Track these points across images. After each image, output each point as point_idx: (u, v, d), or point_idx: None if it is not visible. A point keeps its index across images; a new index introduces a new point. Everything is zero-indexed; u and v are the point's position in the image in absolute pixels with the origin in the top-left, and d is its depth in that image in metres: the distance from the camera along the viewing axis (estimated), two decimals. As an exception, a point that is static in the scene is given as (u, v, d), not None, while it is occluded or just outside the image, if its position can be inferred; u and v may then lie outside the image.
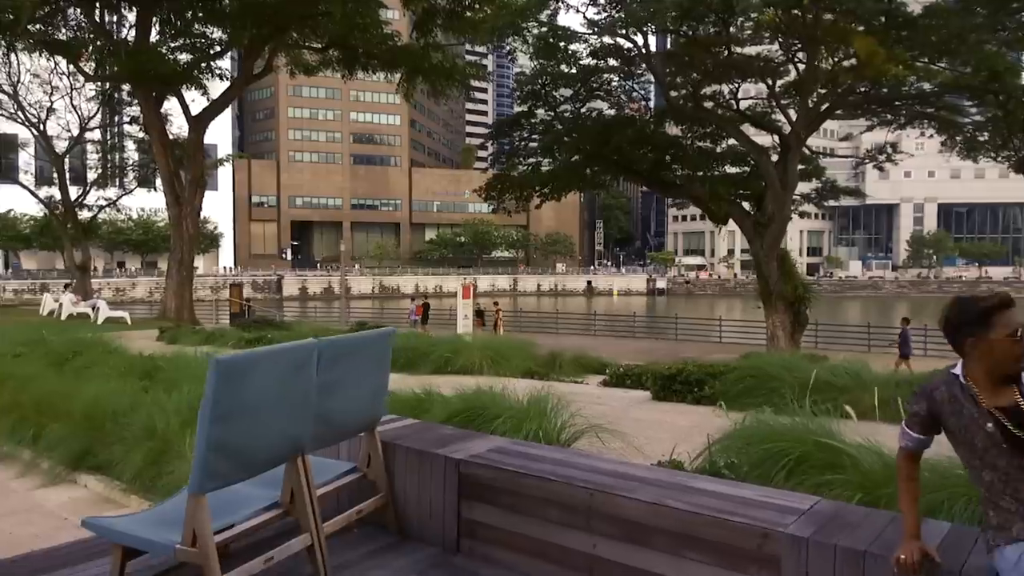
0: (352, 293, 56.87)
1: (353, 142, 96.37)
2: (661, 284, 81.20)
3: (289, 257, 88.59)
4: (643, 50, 19.51)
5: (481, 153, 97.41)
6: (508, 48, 22.60)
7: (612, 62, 20.89)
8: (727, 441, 3.83)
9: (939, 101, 20.16)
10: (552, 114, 21.67)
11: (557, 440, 4.20)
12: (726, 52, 18.87)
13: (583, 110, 21.79)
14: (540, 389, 4.97)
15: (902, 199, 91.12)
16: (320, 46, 25.34)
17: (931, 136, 22.70)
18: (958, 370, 2.27)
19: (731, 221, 21.09)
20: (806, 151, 22.26)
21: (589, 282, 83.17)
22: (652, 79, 21.74)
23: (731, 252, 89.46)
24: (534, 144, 21.91)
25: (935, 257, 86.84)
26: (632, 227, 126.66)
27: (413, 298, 31.35)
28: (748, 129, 21.17)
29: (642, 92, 24.41)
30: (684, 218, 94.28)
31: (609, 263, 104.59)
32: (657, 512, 2.77)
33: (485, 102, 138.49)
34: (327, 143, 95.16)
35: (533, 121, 21.89)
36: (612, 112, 22.33)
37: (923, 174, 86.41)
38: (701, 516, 2.66)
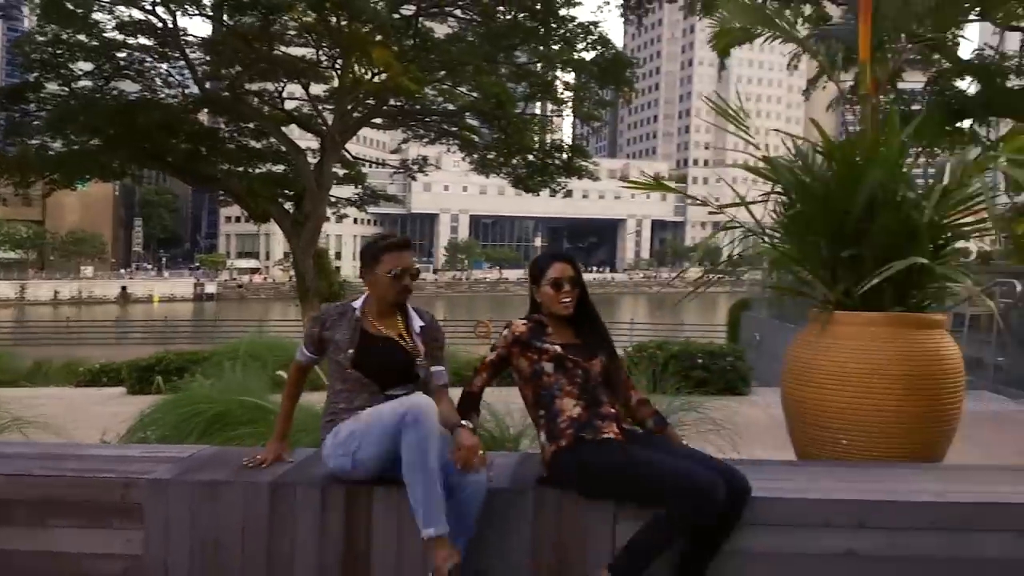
0: None
1: None
2: (211, 288, 76.70)
3: None
4: (174, 31, 18.21)
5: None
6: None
7: (144, 40, 19.04)
8: (156, 414, 3.75)
9: (460, 121, 22.97)
10: (68, 89, 18.79)
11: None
12: (268, 48, 18.71)
13: (108, 88, 19.36)
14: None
15: (441, 209, 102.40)
16: None
17: (454, 152, 25.74)
18: (359, 302, 2.67)
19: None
20: (348, 157, 23.37)
21: (124, 288, 74.09)
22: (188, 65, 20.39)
23: (287, 255, 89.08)
24: (39, 123, 18.70)
25: (466, 261, 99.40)
26: (180, 227, 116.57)
27: None
28: (295, 130, 21.33)
29: (180, 78, 22.75)
30: (238, 219, 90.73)
31: (151, 266, 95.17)
32: (19, 483, 2.54)
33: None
34: None
35: (41, 94, 18.71)
36: (146, 96, 20.29)
37: (459, 188, 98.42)
38: (63, 478, 2.52)
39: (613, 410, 2.54)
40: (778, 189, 3.52)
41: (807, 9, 17.11)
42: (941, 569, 2.35)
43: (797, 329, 10.70)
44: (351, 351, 2.57)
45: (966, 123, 16.25)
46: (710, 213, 3.58)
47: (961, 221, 3.27)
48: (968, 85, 16.48)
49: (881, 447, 2.86)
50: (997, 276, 6.47)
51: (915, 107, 16.26)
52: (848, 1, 4.02)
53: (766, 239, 3.43)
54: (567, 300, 2.60)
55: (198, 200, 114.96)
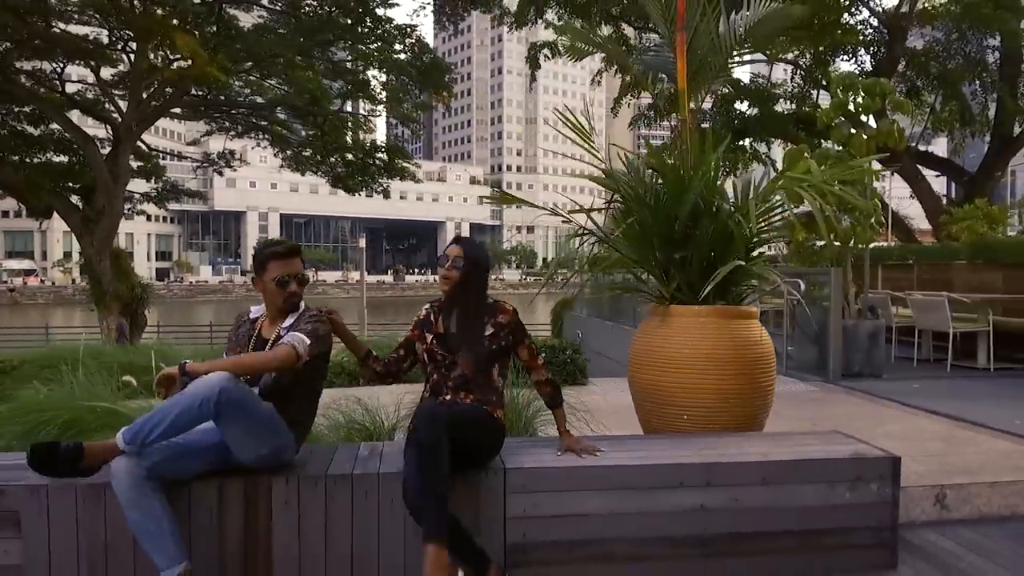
0: None
1: None
2: (-25, 292, 67.42)
3: None
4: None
5: None
6: None
7: None
8: (-9, 423, 3.44)
9: (271, 116, 22.08)
10: None
11: None
12: (44, 24, 16.85)
13: None
14: None
15: (248, 207, 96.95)
16: None
17: (265, 147, 24.68)
18: (260, 309, 2.82)
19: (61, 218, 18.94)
20: (144, 148, 21.62)
21: None
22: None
23: (68, 255, 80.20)
24: None
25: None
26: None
27: None
28: (79, 118, 19.37)
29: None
30: (7, 214, 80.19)
31: None
32: None
33: None
34: None
35: None
36: None
37: (267, 185, 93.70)
38: (-82, 492, 2.32)
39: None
40: (616, 198, 3.97)
41: (605, 30, 18.54)
42: (770, 516, 2.86)
43: (615, 327, 11.64)
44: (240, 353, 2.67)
45: (746, 140, 18.47)
46: (564, 222, 3.92)
47: (765, 229, 3.88)
48: (747, 108, 18.75)
49: (715, 420, 3.36)
50: (784, 277, 7.56)
51: (704, 125, 18.24)
52: (662, 37, 4.57)
53: (608, 243, 3.84)
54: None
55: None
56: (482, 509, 2.69)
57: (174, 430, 2.30)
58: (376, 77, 21.28)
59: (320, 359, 2.73)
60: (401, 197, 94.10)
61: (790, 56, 18.74)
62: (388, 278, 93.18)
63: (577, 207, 4.02)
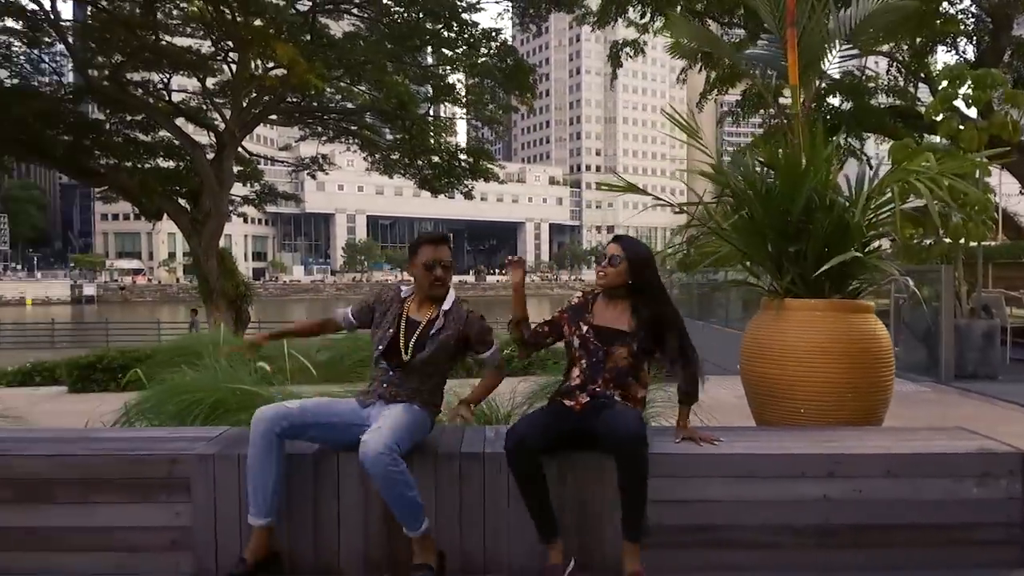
0: None
1: None
2: (90, 291, 72.03)
3: None
4: (50, 15, 17.15)
5: None
6: None
7: (11, 23, 17.76)
8: (144, 404, 3.78)
9: (361, 120, 22.79)
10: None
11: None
12: (153, 37, 17.94)
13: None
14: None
15: (336, 210, 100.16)
16: None
17: (354, 151, 25.48)
18: (408, 289, 2.96)
19: (170, 220, 20.12)
20: (244, 154, 22.69)
21: (-9, 290, 68.75)
22: (67, 52, 19.23)
23: (172, 255, 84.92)
24: None
25: (366, 262, 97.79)
26: (50, 225, 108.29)
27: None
28: (185, 124, 20.50)
29: (54, 65, 21.34)
30: (116, 216, 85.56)
31: (20, 267, 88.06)
32: (60, 463, 2.59)
33: None
34: None
35: None
36: (15, 82, 18.93)
37: (354, 188, 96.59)
38: (108, 457, 2.60)
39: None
40: (726, 192, 4.00)
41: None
42: (893, 509, 2.85)
43: (706, 326, 11.50)
44: (390, 331, 2.83)
45: (840, 137, 17.84)
46: (676, 212, 3.96)
47: (880, 222, 3.83)
48: (840, 102, 18.11)
49: (833, 414, 3.35)
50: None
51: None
52: (772, 33, 4.54)
53: (722, 236, 3.87)
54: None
55: (69, 196, 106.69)
56: (607, 492, 2.78)
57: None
58: (461, 81, 21.65)
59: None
60: (482, 198, 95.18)
61: (885, 48, 18.01)
62: (469, 278, 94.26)
63: (684, 202, 4.06)
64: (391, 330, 2.85)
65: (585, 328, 2.92)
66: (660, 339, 2.93)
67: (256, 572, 2.54)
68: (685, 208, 3.98)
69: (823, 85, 16.35)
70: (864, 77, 19.21)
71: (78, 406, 5.46)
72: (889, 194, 3.80)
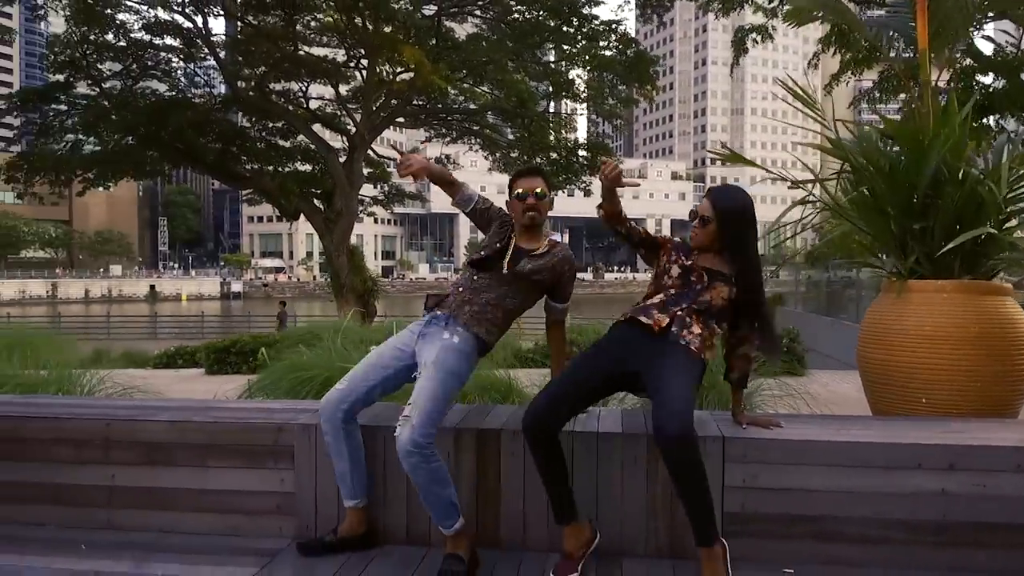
0: None
1: None
2: (236, 287, 77.88)
3: None
4: (203, 32, 18.63)
5: (-1, 131, 78.71)
6: (38, 2, 19.18)
7: (170, 40, 19.49)
8: (263, 382, 4.04)
9: (483, 120, 23.23)
10: (97, 89, 19.24)
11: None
12: (292, 48, 19.12)
13: (135, 88, 19.82)
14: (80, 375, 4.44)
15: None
16: None
17: (477, 151, 25.97)
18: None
19: (306, 221, 21.39)
20: (373, 156, 23.72)
21: (152, 286, 75.65)
22: (216, 65, 20.86)
23: (309, 255, 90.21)
24: (73, 120, 19.10)
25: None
26: (203, 227, 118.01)
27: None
28: (320, 129, 21.71)
29: (205, 78, 23.21)
30: (261, 219, 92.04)
31: (177, 266, 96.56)
32: (181, 429, 2.83)
33: (9, 69, 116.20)
34: None
35: (72, 94, 19.17)
36: (171, 94, 20.75)
37: (477, 188, 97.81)
38: (222, 424, 2.80)
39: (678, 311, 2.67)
40: (846, 169, 3.75)
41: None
42: (1020, 506, 2.58)
43: (835, 322, 10.86)
44: (497, 244, 2.91)
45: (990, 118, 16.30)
46: (790, 187, 3.78)
47: (1019, 197, 3.46)
48: (992, 81, 16.54)
49: (959, 403, 3.08)
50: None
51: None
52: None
53: (840, 213, 3.64)
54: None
55: (219, 200, 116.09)
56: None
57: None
58: (580, 76, 21.56)
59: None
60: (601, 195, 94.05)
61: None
62: (588, 275, 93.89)
63: (795, 180, 3.85)
64: (498, 243, 2.91)
65: (690, 262, 2.75)
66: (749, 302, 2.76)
67: (347, 544, 2.67)
68: (801, 184, 3.76)
69: (967, 62, 15.04)
70: (1020, 52, 17.47)
71: (210, 385, 5.91)
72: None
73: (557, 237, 2.93)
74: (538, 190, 2.91)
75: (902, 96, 17.50)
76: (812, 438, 2.74)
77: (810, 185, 3.70)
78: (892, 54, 4.60)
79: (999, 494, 2.58)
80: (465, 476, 2.77)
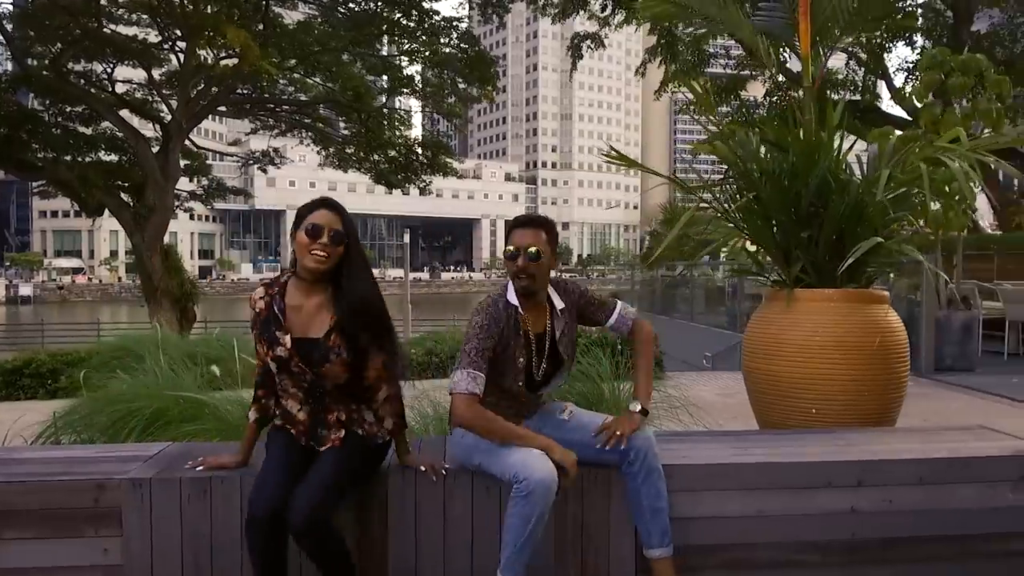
0: None
1: None
2: (26, 291, 69.00)
3: None
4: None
5: None
6: None
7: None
8: (72, 416, 3.29)
9: (314, 113, 22.12)
10: None
11: None
12: (96, 25, 17.07)
13: None
14: None
15: (288, 206, 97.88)
16: None
17: (307, 145, 24.72)
18: (510, 291, 2.35)
19: (111, 217, 19.20)
20: (191, 147, 21.81)
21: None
22: (2, 39, 18.20)
23: (114, 254, 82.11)
24: None
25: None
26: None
27: None
28: (128, 116, 19.59)
29: (-14, 53, 20.25)
30: (56, 214, 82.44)
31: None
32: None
33: None
34: None
35: None
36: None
37: (306, 184, 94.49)
38: (16, 484, 2.15)
39: None
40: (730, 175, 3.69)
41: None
42: (925, 519, 2.56)
43: (670, 321, 11.30)
44: (522, 360, 2.32)
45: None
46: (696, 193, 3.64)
47: (901, 203, 3.52)
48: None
49: (848, 414, 3.07)
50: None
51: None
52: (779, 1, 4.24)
53: (732, 222, 3.56)
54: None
55: (4, 192, 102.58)
56: (614, 509, 2.43)
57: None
58: (419, 72, 21.17)
59: None
60: (437, 195, 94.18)
61: (841, 45, 18.18)
62: (424, 275, 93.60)
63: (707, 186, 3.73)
64: (521, 360, 2.32)
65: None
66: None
67: None
68: (692, 190, 3.65)
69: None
70: (827, 71, 19.41)
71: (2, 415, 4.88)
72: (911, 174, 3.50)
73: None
74: (532, 249, 2.28)
75: (724, 108, 18.76)
76: (722, 461, 2.57)
77: (701, 192, 3.59)
78: (771, 64, 4.64)
79: (904, 508, 2.54)
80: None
